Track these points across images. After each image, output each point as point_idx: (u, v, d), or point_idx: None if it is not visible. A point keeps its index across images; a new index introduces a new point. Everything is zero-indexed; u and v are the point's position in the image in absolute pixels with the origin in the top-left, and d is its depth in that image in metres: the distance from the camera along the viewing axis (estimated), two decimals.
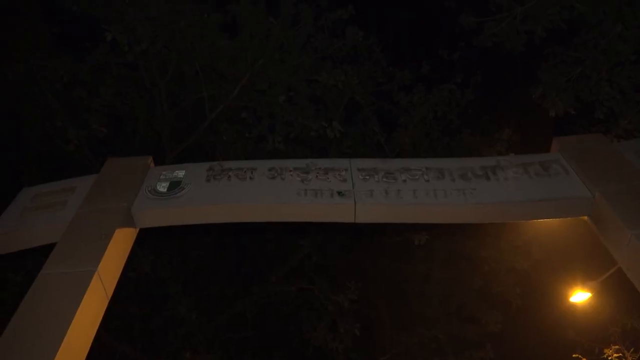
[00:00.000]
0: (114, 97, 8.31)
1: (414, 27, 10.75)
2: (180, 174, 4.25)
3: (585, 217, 3.85)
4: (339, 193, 3.96)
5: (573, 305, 9.20)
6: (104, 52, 8.14)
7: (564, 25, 7.31)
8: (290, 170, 4.18)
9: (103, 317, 3.50)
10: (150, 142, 9.32)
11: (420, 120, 9.03)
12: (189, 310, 9.29)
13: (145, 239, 4.60)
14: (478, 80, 9.39)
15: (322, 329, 9.49)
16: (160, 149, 8.73)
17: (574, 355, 7.78)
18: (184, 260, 10.54)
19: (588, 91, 7.48)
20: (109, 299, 3.57)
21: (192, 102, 8.87)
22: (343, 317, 9.49)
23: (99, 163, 4.51)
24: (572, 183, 3.88)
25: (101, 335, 3.46)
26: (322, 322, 9.63)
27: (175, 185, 4.13)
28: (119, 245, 3.77)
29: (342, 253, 11.24)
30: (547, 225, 8.05)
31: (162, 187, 4.12)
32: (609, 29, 7.08)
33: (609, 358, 7.81)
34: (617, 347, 7.92)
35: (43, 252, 3.75)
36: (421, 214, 4.01)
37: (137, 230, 4.11)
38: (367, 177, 4.08)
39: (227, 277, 11.27)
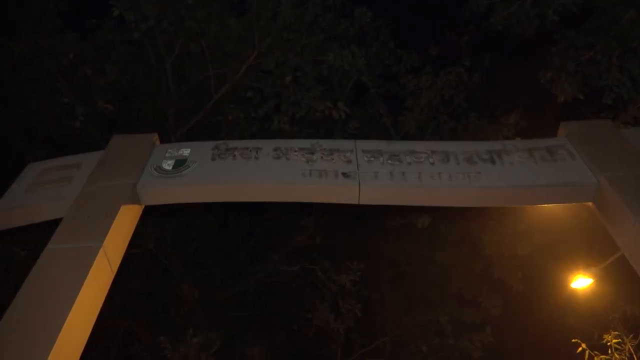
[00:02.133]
0: (119, 76, 8.27)
1: (423, 9, 10.61)
2: (186, 152, 4.25)
3: (590, 203, 3.84)
4: (344, 174, 3.95)
5: (574, 291, 9.22)
6: (110, 30, 8.09)
7: (575, 9, 7.19)
8: (295, 151, 4.16)
9: (107, 293, 3.53)
10: (155, 121, 9.32)
11: (427, 103, 8.97)
12: (191, 289, 9.38)
13: (149, 216, 4.62)
14: (486, 64, 9.29)
15: (324, 309, 9.57)
16: (166, 128, 8.73)
17: (573, 340, 7.82)
18: (187, 238, 10.62)
19: (597, 76, 7.39)
20: (114, 274, 3.61)
21: (198, 81, 8.84)
22: (345, 297, 9.57)
23: (104, 142, 4.51)
24: (577, 168, 3.85)
25: (105, 311, 3.50)
26: (324, 302, 9.71)
27: (180, 163, 4.13)
28: (124, 222, 3.79)
29: (346, 234, 11.28)
30: (551, 210, 8.03)
31: (168, 165, 4.12)
32: (621, 14, 6.96)
33: (608, 343, 7.84)
34: (616, 333, 7.94)
35: (48, 228, 3.78)
36: (425, 197, 4.00)
37: (142, 207, 4.13)
38: (372, 159, 4.07)
39: (230, 256, 11.35)
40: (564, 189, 3.82)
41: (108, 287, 3.54)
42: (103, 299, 3.46)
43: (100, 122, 8.85)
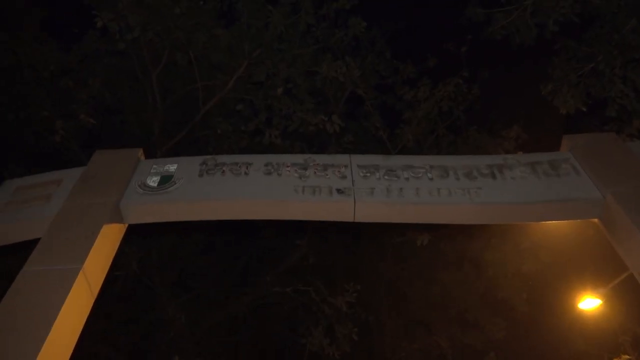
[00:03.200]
0: (103, 88, 8.28)
1: (420, 19, 10.74)
2: (172, 168, 4.24)
3: (596, 220, 3.86)
4: (338, 190, 3.96)
5: (582, 312, 9.21)
6: (94, 40, 8.11)
7: (576, 19, 7.30)
8: (288, 166, 4.18)
9: (87, 318, 3.49)
10: (140, 135, 9.30)
11: (424, 116, 9.02)
12: (177, 312, 9.28)
13: (133, 235, 4.60)
14: (486, 75, 9.38)
15: (319, 334, 9.49)
16: (151, 142, 8.71)
17: None
18: (174, 258, 10.53)
19: (600, 88, 7.48)
20: (95, 298, 3.57)
21: (185, 93, 8.85)
22: (341, 321, 9.50)
23: (86, 157, 4.49)
24: (582, 184, 3.88)
25: (85, 336, 3.46)
26: (319, 326, 9.63)
27: (166, 179, 4.12)
28: (106, 242, 3.76)
29: (341, 253, 11.24)
30: (556, 227, 8.05)
31: (153, 181, 4.12)
32: (623, 24, 7.08)
33: None
34: (627, 357, 7.93)
35: (26, 249, 3.74)
36: (424, 214, 4.01)
37: (126, 226, 4.11)
38: (368, 174, 4.08)
39: (219, 277, 11.26)
40: (568, 205, 3.84)
41: (88, 311, 3.50)
42: (82, 324, 3.42)
43: (82, 137, 8.82)
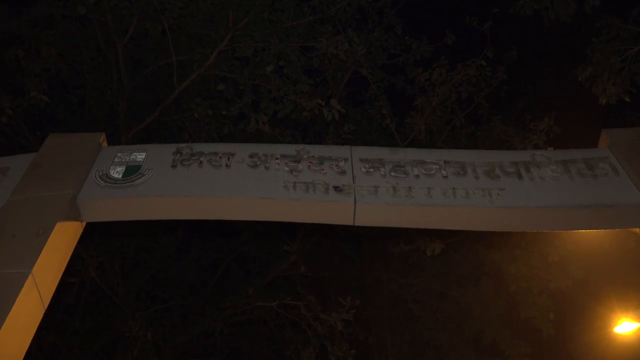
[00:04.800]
0: (59, 60, 8.25)
1: None
2: (140, 156, 4.25)
3: (637, 229, 3.88)
4: (336, 188, 3.97)
5: (618, 337, 9.28)
6: (48, 2, 8.08)
7: None
8: (277, 158, 4.19)
9: (37, 332, 3.49)
10: (103, 116, 9.28)
11: (440, 102, 9.05)
12: (142, 327, 9.28)
13: (92, 235, 4.61)
14: (513, 57, 9.40)
15: (309, 356, 9.53)
16: (116, 126, 8.70)
17: None
18: (139, 264, 10.52)
19: None
20: (45, 308, 3.57)
21: (157, 69, 8.84)
22: (335, 341, 9.53)
23: (38, 142, 4.49)
24: (622, 186, 3.91)
25: (33, 354, 3.46)
26: (309, 347, 9.67)
27: (133, 170, 4.13)
28: (60, 243, 3.76)
29: (337, 262, 11.27)
30: (590, 237, 8.10)
31: (117, 172, 4.12)
32: None
33: None
34: None
35: None
36: (436, 218, 4.03)
37: (84, 224, 4.11)
38: (372, 170, 4.10)
39: (193, 288, 11.28)
40: (605, 212, 3.86)
41: (37, 324, 3.51)
42: (30, 338, 3.43)
43: (32, 118, 8.80)
